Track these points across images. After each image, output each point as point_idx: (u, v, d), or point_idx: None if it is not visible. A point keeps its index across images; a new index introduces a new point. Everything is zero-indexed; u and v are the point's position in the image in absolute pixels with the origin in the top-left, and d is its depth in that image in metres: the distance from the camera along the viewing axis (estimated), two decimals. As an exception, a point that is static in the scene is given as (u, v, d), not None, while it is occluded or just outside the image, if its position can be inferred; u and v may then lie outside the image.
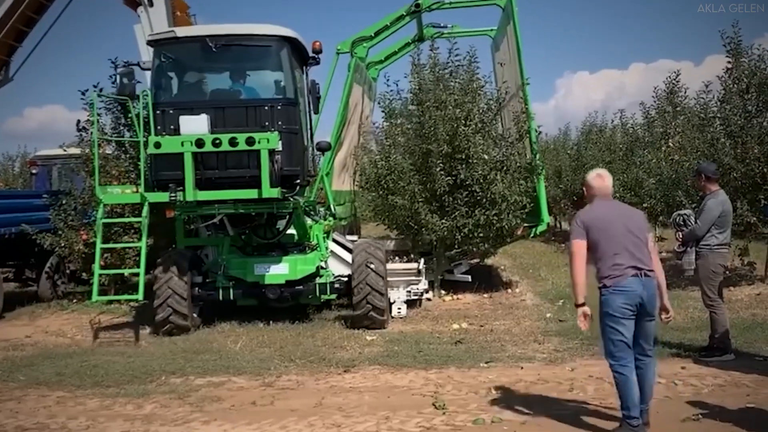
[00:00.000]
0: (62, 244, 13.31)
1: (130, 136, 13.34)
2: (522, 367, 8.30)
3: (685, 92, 17.25)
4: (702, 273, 8.38)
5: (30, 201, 13.90)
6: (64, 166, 15.85)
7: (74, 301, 13.88)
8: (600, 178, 6.11)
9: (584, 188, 6.26)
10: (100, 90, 13.29)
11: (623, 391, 5.74)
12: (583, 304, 5.80)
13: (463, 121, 12.40)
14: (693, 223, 8.44)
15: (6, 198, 14.30)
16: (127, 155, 13.53)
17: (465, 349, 9.26)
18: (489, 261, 15.29)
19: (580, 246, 5.87)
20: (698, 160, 12.51)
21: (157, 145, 9.78)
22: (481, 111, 12.90)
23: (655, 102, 17.97)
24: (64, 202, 13.71)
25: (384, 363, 8.65)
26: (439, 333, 10.41)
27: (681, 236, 8.53)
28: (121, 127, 13.77)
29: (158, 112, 10.20)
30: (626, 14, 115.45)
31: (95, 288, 10.51)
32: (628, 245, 5.74)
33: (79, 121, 13.83)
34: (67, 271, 14.95)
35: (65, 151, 14.74)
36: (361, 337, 10.14)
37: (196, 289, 11.02)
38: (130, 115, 11.84)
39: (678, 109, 17.31)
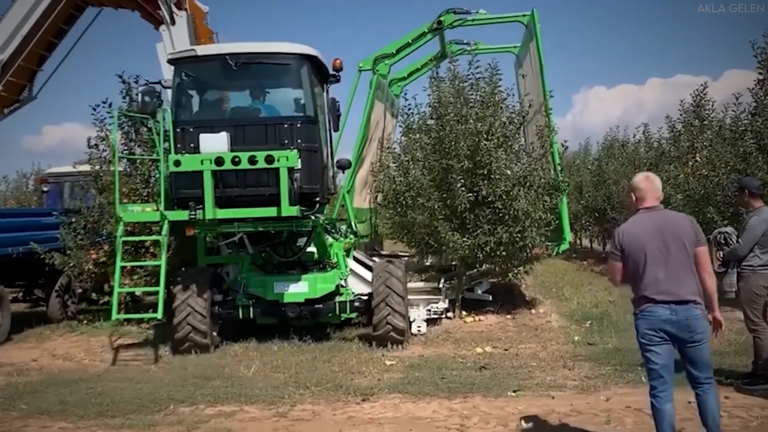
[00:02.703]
0: (71, 264, 12.93)
1: (141, 154, 13.03)
2: (553, 397, 7.78)
3: (713, 105, 16.70)
4: (744, 296, 7.84)
5: (39, 219, 13.54)
6: (76, 184, 15.54)
7: (84, 322, 13.46)
8: (647, 181, 5.57)
9: (631, 193, 5.70)
10: (110, 105, 13.05)
11: (654, 420, 5.47)
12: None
13: (485, 135, 11.94)
14: (735, 242, 7.90)
15: (13, 216, 13.92)
16: (138, 173, 13.16)
17: (490, 376, 8.76)
18: (510, 279, 14.80)
19: (615, 268, 5.65)
20: (732, 175, 12.01)
21: (177, 163, 9.74)
22: (503, 124, 12.45)
23: (681, 115, 17.45)
24: (73, 220, 13.34)
25: (405, 391, 8.16)
26: (462, 357, 9.90)
27: (722, 256, 8.00)
28: (132, 144, 13.38)
29: (178, 130, 10.17)
30: (643, 29, 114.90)
31: (114, 306, 10.35)
32: (661, 269, 5.32)
33: (90, 138, 13.50)
34: (78, 291, 14.57)
35: (74, 168, 14.42)
36: (379, 362, 9.66)
37: (216, 307, 10.96)
38: (150, 134, 12.04)
39: (705, 122, 16.76)
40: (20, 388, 8.92)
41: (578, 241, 31.96)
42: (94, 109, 13.22)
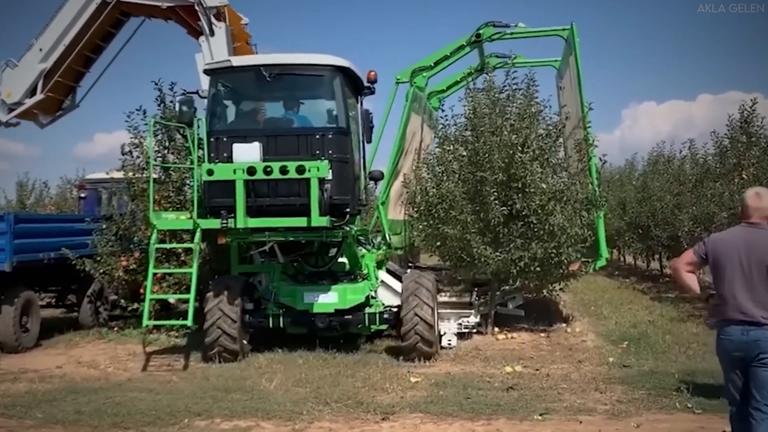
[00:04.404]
0: (101, 270, 12.91)
1: (174, 161, 13.01)
2: (581, 422, 7.41)
3: (762, 121, 16.09)
4: None
5: (72, 225, 13.58)
6: (112, 190, 15.59)
7: (114, 329, 13.45)
8: (757, 198, 5.30)
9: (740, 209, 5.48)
10: (144, 113, 13.06)
11: None
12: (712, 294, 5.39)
13: (520, 148, 11.66)
14: None
15: (45, 222, 13.99)
16: (171, 180, 13.12)
17: (517, 397, 8.40)
18: (546, 294, 14.45)
19: (687, 255, 5.53)
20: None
21: (210, 172, 9.88)
22: (539, 137, 12.13)
23: (728, 131, 16.89)
24: (104, 227, 13.34)
25: (427, 411, 7.86)
26: (489, 376, 9.55)
27: None
28: (165, 151, 13.34)
29: (212, 139, 10.32)
30: (694, 44, 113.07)
31: (146, 312, 10.39)
32: (740, 287, 5.13)
33: (123, 145, 13.50)
34: (111, 298, 14.56)
35: (107, 174, 14.46)
36: (404, 378, 9.38)
37: (247, 315, 10.98)
38: (184, 142, 12.26)
39: (753, 139, 16.17)
40: (39, 396, 8.84)
41: (622, 258, 31.30)
42: (129, 116, 13.23)
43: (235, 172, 9.75)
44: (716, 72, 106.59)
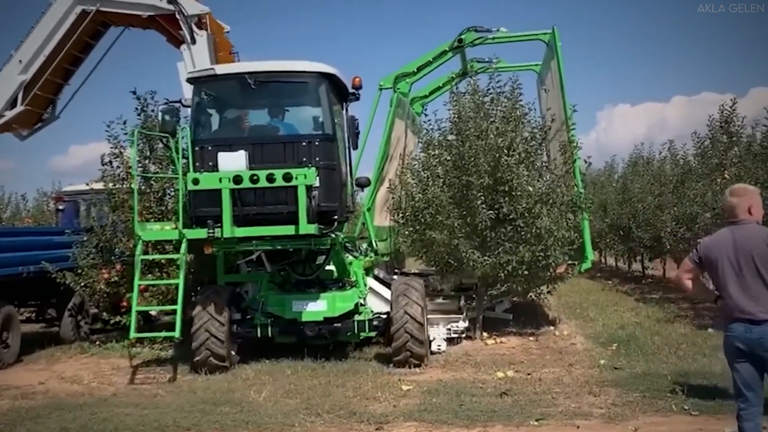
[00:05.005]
0: (82, 283, 12.66)
1: (155, 171, 12.81)
2: (578, 426, 7.33)
3: (742, 121, 16.17)
4: None
5: (51, 238, 13.30)
6: (91, 202, 15.33)
7: (96, 343, 13.19)
8: (731, 195, 5.37)
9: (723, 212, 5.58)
10: (124, 122, 12.88)
11: None
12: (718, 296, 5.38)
13: (506, 151, 11.62)
14: None
15: (23, 235, 13.71)
16: (152, 190, 12.92)
17: (512, 402, 8.29)
18: (533, 298, 14.40)
19: (686, 266, 5.59)
20: (764, 192, 11.49)
21: (196, 181, 9.74)
22: (524, 140, 12.09)
23: (709, 132, 16.96)
24: (85, 239, 13.09)
25: (421, 419, 7.73)
26: (482, 382, 9.44)
27: None
28: (146, 161, 13.13)
29: (197, 148, 10.21)
30: (667, 47, 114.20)
31: (132, 325, 10.18)
32: (735, 286, 5.16)
33: (103, 155, 13.27)
34: (91, 312, 14.30)
35: (87, 185, 14.21)
36: (396, 387, 9.24)
37: (235, 326, 10.83)
38: (166, 152, 12.15)
39: (734, 138, 16.24)
40: (23, 413, 8.57)
41: (603, 260, 31.40)
42: (109, 126, 13.01)
43: (221, 181, 9.63)
44: (690, 73, 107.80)
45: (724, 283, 5.20)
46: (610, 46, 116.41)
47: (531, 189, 11.66)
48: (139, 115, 13.31)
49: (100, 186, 13.64)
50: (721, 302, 5.32)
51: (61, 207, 16.74)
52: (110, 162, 13.29)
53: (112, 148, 13.11)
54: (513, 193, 11.59)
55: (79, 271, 12.76)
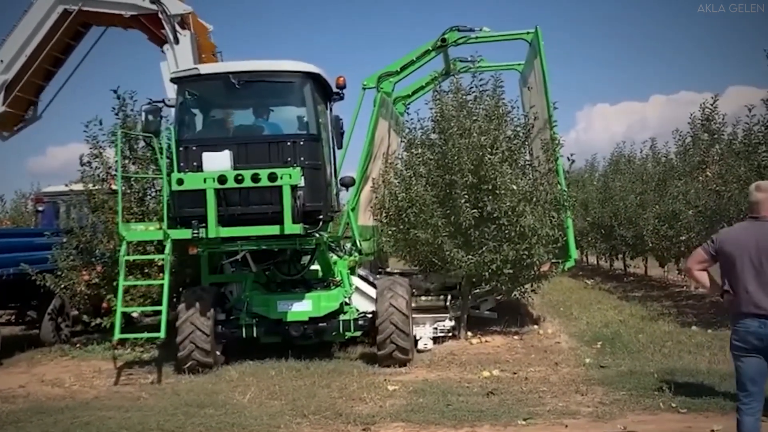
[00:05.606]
0: (63, 285, 12.50)
1: (136, 171, 12.68)
2: (566, 425, 7.30)
3: (723, 118, 16.27)
4: None
5: (31, 240, 13.11)
6: (71, 203, 15.15)
7: (77, 346, 13.01)
8: (757, 191, 5.36)
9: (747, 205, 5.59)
10: (100, 123, 12.75)
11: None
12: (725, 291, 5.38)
13: (489, 150, 11.58)
14: None
15: (2, 237, 13.46)
16: (132, 191, 12.78)
17: (499, 402, 8.25)
18: (517, 297, 14.38)
19: (698, 254, 5.59)
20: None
21: (180, 181, 9.69)
22: (508, 138, 12.07)
23: (690, 129, 17.04)
24: (65, 240, 12.92)
25: (408, 419, 7.67)
26: (468, 382, 9.39)
27: None
28: (126, 161, 12.97)
29: (181, 148, 10.10)
30: (646, 46, 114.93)
31: (117, 326, 10.05)
32: (752, 281, 5.16)
33: (82, 156, 13.09)
34: (72, 314, 14.12)
35: (67, 186, 14.02)
36: (382, 387, 9.18)
37: (220, 326, 10.79)
38: (147, 151, 12.13)
39: (716, 136, 16.32)
40: (3, 417, 8.44)
41: (585, 259, 31.50)
42: (87, 126, 12.85)
43: (205, 181, 9.56)
44: (668, 73, 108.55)
45: (741, 277, 5.20)
46: (588, 46, 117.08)
47: (514, 187, 11.62)
48: (117, 114, 13.16)
49: (79, 187, 13.47)
50: (729, 297, 5.32)
51: (40, 208, 16.58)
52: (89, 163, 13.11)
53: (91, 148, 12.94)
54: (496, 192, 11.56)
55: (59, 272, 12.62)
